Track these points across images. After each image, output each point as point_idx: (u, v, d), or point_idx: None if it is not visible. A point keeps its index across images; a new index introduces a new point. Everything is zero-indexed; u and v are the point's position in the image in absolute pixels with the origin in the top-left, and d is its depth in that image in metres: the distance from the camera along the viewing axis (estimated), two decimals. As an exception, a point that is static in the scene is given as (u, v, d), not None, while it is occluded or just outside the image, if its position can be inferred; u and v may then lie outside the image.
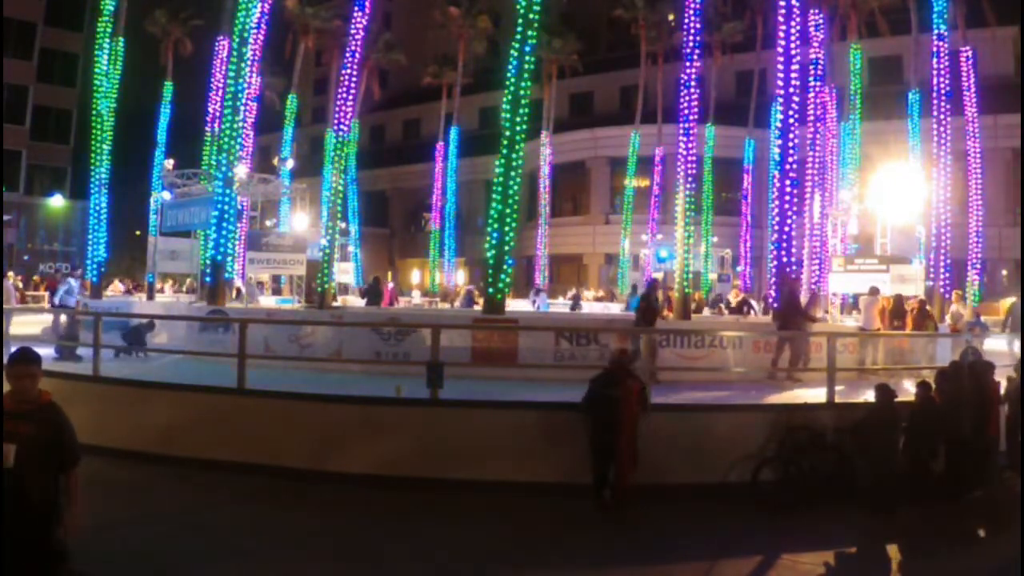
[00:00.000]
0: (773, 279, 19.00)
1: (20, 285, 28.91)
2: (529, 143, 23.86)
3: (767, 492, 8.49)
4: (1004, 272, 38.49)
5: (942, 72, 28.21)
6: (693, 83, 21.21)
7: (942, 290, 26.27)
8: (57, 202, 49.24)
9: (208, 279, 21.53)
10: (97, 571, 5.25)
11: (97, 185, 25.90)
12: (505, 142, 16.75)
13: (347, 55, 22.41)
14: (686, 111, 21.19)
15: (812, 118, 27.01)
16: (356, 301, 30.34)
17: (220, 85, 28.13)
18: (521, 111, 16.86)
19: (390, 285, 35.48)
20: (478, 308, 21.98)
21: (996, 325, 19.32)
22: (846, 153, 31.73)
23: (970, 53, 30.86)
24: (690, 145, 21.37)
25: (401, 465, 8.94)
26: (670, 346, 13.99)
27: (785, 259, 17.81)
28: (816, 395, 10.20)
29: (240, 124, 21.30)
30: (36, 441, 4.25)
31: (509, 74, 17.01)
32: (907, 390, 10.31)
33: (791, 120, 18.01)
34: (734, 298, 26.57)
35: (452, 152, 46.41)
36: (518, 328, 15.18)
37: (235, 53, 20.87)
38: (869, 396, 9.22)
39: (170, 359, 14.38)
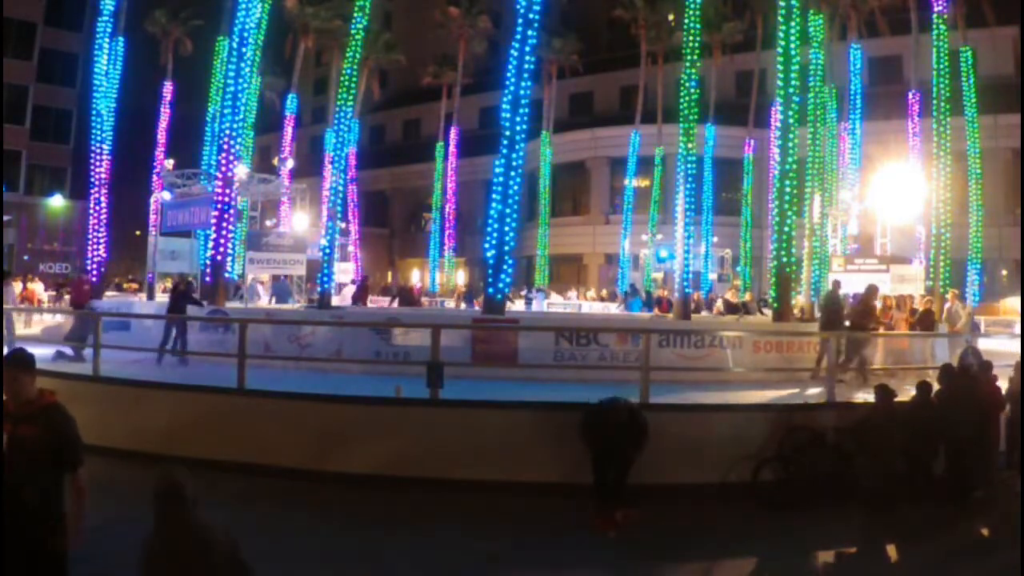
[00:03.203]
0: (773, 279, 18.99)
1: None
2: (529, 143, 23.86)
3: (767, 492, 8.49)
4: (1004, 272, 38.48)
5: (942, 72, 28.22)
6: (693, 83, 21.21)
7: (942, 290, 26.27)
8: (57, 202, 49.20)
9: (208, 279, 21.52)
10: (96, 571, 5.25)
11: (97, 185, 25.87)
12: (505, 142, 16.76)
13: (347, 55, 22.40)
14: (686, 111, 21.19)
15: (812, 118, 27.01)
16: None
17: (220, 85, 28.15)
18: (521, 111, 16.87)
19: (418, 285, 35.35)
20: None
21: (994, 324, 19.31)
22: (846, 153, 31.73)
23: (970, 53, 30.86)
24: (690, 145, 21.38)
25: (401, 465, 8.94)
26: (670, 346, 14.00)
27: (785, 259, 17.82)
28: (816, 395, 10.21)
29: (240, 124, 21.30)
30: (32, 442, 4.22)
31: (509, 74, 17.02)
32: (907, 390, 10.30)
33: (791, 120, 18.02)
34: (733, 297, 26.44)
35: (448, 152, 46.40)
36: (518, 328, 15.19)
37: (235, 53, 20.87)
38: (869, 396, 9.22)
39: (170, 359, 14.38)
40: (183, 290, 16.59)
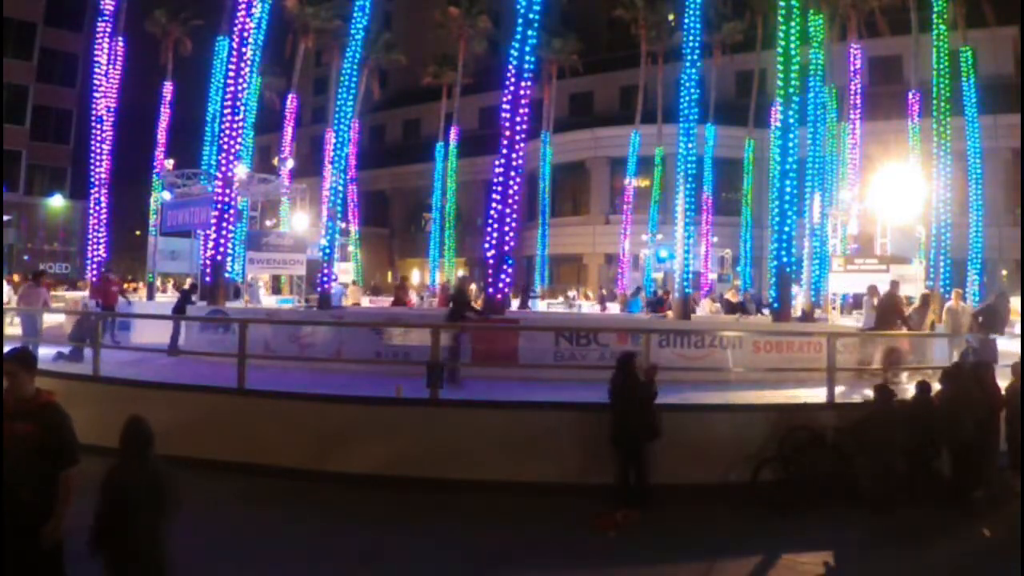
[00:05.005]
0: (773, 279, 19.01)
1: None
2: (529, 143, 23.86)
3: (767, 492, 8.48)
4: (1004, 272, 38.47)
5: (942, 72, 28.22)
6: (693, 83, 21.22)
7: (942, 290, 26.26)
8: (57, 202, 49.24)
9: (208, 279, 21.50)
10: (96, 571, 5.24)
11: (97, 185, 25.87)
12: (505, 142, 16.75)
13: (347, 55, 22.39)
14: (686, 111, 21.19)
15: (812, 118, 27.01)
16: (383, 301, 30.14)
17: (220, 85, 28.14)
18: (521, 111, 16.86)
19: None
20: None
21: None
22: (846, 153, 31.75)
23: (970, 53, 30.88)
24: (690, 145, 21.39)
25: (401, 465, 8.94)
26: (670, 346, 13.98)
27: (785, 259, 17.81)
28: (816, 395, 10.20)
29: (240, 124, 21.28)
30: (27, 440, 4.23)
31: (509, 74, 17.01)
32: (908, 390, 10.29)
33: (791, 120, 18.03)
34: (733, 297, 26.43)
35: (452, 151, 46.37)
36: (518, 328, 15.17)
37: (235, 53, 20.84)
38: (869, 396, 9.22)
39: (170, 359, 14.35)
40: (185, 291, 16.76)
